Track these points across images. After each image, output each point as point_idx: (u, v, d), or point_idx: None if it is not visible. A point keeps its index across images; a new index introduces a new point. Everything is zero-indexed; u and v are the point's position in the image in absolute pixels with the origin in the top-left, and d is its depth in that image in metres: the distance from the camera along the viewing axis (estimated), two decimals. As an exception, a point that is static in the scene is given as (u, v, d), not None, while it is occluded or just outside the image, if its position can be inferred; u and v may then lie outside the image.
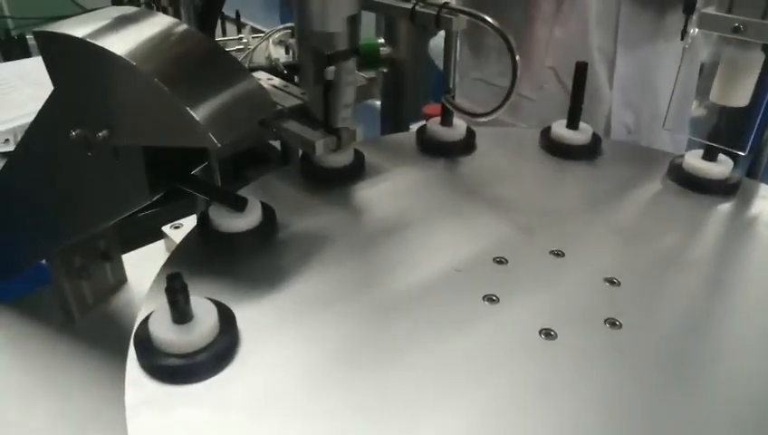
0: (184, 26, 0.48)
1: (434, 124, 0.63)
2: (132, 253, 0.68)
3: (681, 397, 0.38)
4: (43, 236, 0.53)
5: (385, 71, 0.73)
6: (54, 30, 0.44)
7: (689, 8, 0.52)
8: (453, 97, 0.60)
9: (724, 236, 0.54)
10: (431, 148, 0.63)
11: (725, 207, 0.56)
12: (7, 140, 1.00)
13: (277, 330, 0.42)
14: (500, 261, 0.48)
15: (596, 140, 0.63)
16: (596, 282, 0.46)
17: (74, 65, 0.43)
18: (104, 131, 0.44)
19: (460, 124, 0.64)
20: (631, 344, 0.41)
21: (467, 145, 0.63)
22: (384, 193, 0.58)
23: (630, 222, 0.54)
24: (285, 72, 0.65)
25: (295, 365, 0.40)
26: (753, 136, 0.53)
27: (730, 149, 0.54)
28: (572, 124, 0.63)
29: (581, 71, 0.60)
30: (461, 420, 0.36)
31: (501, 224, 0.53)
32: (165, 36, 0.46)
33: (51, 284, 0.58)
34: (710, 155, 0.56)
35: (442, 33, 1.22)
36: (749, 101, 0.52)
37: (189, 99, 0.41)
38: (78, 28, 0.43)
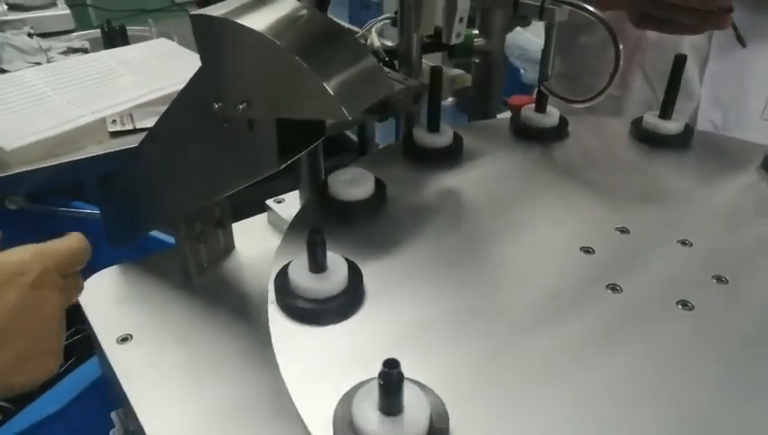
0: (308, 8, 0.52)
1: (528, 111, 0.66)
2: (238, 223, 0.74)
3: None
4: (174, 201, 0.59)
5: (477, 61, 0.77)
6: (205, 12, 0.49)
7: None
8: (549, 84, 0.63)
9: None
10: (526, 133, 0.66)
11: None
12: (114, 121, 1.09)
13: (397, 285, 0.47)
14: (623, 230, 0.51)
15: (688, 130, 0.65)
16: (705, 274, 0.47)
17: (221, 44, 0.49)
18: (243, 104, 0.49)
19: (553, 111, 0.67)
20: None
21: (561, 131, 0.66)
22: (481, 173, 0.61)
23: (730, 212, 0.56)
24: (386, 58, 0.69)
25: (413, 316, 0.44)
26: None
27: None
28: (665, 114, 0.64)
29: (680, 63, 0.61)
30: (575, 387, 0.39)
31: (600, 207, 0.56)
32: (295, 17, 0.51)
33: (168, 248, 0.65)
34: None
35: (518, 29, 1.23)
36: None
37: (324, 74, 0.46)
38: (224, 10, 0.49)
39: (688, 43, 0.81)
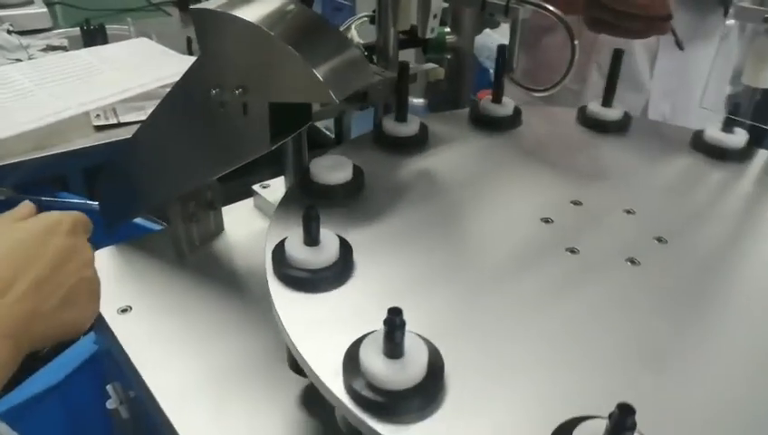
0: (296, 4, 0.58)
1: (486, 102, 0.73)
2: (227, 207, 0.78)
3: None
4: (172, 180, 0.64)
5: (449, 57, 0.83)
6: (203, 6, 0.54)
7: (726, 3, 0.60)
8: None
9: (737, 196, 0.63)
10: (483, 121, 0.72)
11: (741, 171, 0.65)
12: (98, 115, 1.13)
13: (381, 254, 0.52)
14: (576, 202, 0.58)
15: (626, 116, 0.73)
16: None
17: (219, 34, 0.54)
18: (239, 90, 0.54)
19: (508, 102, 0.73)
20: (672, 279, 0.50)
21: (515, 120, 0.73)
22: (446, 157, 0.67)
23: (666, 185, 0.63)
24: (365, 53, 0.75)
25: (398, 278, 0.49)
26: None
27: (758, 124, 0.62)
28: (607, 103, 0.72)
29: (618, 56, 0.69)
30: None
31: (555, 184, 0.62)
32: (285, 11, 0.56)
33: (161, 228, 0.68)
34: (728, 127, 0.65)
35: (487, 31, 1.31)
36: (776, 83, 0.60)
37: (313, 61, 0.51)
38: (222, 4, 0.54)
39: (639, 43, 0.89)
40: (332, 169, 0.60)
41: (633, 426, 0.32)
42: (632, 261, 0.51)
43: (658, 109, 0.93)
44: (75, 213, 0.44)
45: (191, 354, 0.58)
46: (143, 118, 1.15)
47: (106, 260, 0.70)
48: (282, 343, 0.47)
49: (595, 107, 0.72)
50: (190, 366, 0.56)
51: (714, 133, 0.66)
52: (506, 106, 0.73)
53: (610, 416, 0.32)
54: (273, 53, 0.51)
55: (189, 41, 1.34)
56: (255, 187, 0.80)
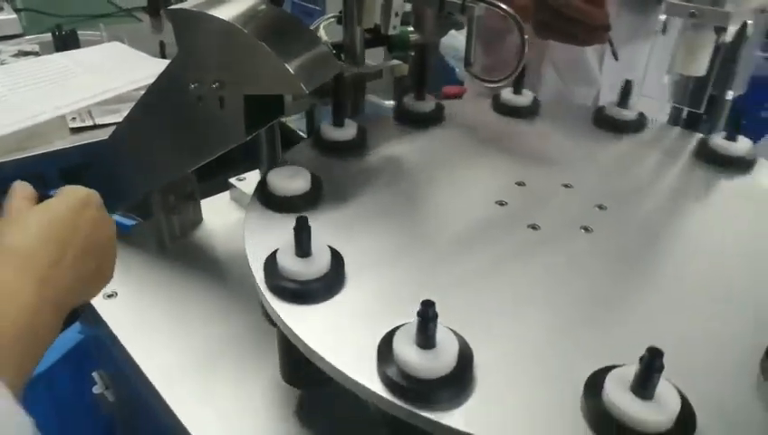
0: (266, 4, 0.62)
1: (410, 99, 0.77)
2: (205, 200, 0.82)
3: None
4: (153, 172, 0.67)
5: (413, 54, 0.88)
6: (180, 7, 0.58)
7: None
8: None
9: (672, 174, 0.69)
10: (408, 117, 0.76)
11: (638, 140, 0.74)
12: (74, 118, 1.15)
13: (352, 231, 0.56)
14: (520, 183, 0.64)
15: (535, 102, 0.79)
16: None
17: (196, 32, 0.58)
18: (216, 84, 0.58)
19: (430, 99, 0.78)
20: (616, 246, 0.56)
21: (438, 115, 0.77)
22: (383, 158, 0.70)
23: (585, 157, 0.71)
24: (333, 51, 0.79)
25: (371, 252, 0.53)
26: (707, 97, 0.68)
27: (690, 108, 0.69)
28: (517, 90, 0.78)
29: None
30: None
31: (497, 168, 0.68)
32: (257, 10, 0.60)
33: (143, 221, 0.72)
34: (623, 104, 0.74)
35: (452, 32, 1.38)
36: (705, 71, 0.67)
37: (284, 56, 0.55)
38: (197, 4, 0.58)
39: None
40: (291, 180, 0.60)
41: (662, 368, 0.35)
42: (586, 229, 0.57)
43: (608, 99, 1.00)
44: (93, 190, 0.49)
45: (176, 334, 0.62)
46: (119, 120, 1.17)
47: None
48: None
49: (507, 94, 0.79)
50: (176, 344, 0.60)
51: (611, 110, 0.76)
52: (429, 102, 0.77)
53: (641, 359, 0.36)
54: (246, 49, 0.56)
55: (162, 45, 1.36)
56: (232, 180, 0.84)
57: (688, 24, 0.64)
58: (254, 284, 0.49)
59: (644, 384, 0.36)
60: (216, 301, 0.66)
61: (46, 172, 1.11)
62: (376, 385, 0.40)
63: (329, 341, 0.44)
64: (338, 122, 0.70)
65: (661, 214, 0.61)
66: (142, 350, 0.60)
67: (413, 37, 0.86)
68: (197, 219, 0.79)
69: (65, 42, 1.41)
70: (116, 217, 0.98)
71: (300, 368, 0.53)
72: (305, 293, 0.47)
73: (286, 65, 0.55)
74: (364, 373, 0.41)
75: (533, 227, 0.57)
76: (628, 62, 0.93)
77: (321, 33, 0.82)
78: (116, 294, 0.66)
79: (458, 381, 0.40)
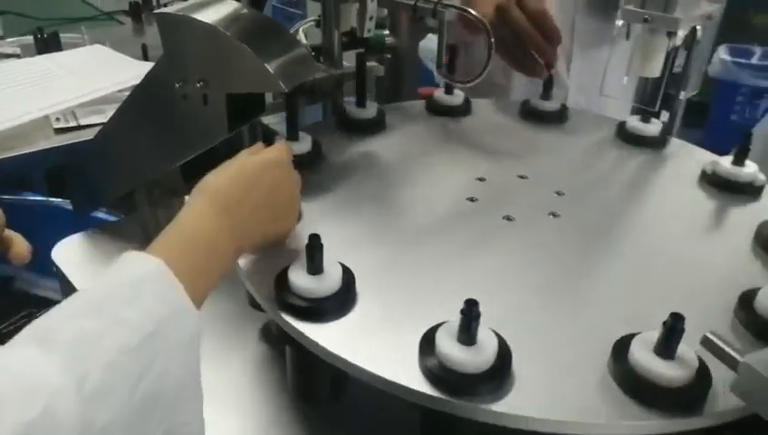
0: (248, 8, 0.66)
1: (351, 106, 0.80)
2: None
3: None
4: (141, 168, 0.70)
5: (389, 56, 0.92)
6: (167, 11, 0.62)
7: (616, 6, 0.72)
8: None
9: (634, 168, 0.75)
10: (348, 123, 0.79)
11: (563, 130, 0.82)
12: (58, 119, 1.17)
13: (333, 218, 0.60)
14: (481, 178, 0.68)
15: (467, 101, 0.84)
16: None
17: (181, 35, 0.61)
18: (200, 83, 0.62)
19: (371, 105, 0.81)
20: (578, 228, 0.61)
21: (380, 121, 0.80)
22: (402, 139, 0.76)
23: (527, 149, 0.76)
24: (313, 53, 0.83)
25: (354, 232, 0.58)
26: (660, 96, 0.73)
27: (645, 108, 0.74)
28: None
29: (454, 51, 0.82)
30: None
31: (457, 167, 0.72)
32: (238, 14, 0.64)
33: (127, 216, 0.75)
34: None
35: (429, 36, 1.44)
36: (660, 72, 0.72)
37: (264, 57, 0.59)
38: (183, 9, 0.61)
39: (558, 49, 1.01)
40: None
41: (683, 331, 0.40)
42: (554, 214, 0.63)
43: (576, 101, 1.05)
44: (286, 147, 0.57)
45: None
46: (103, 120, 1.19)
47: (77, 246, 0.76)
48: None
49: (439, 95, 0.84)
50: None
51: (535, 102, 0.84)
52: (370, 108, 0.80)
53: (665, 323, 0.41)
54: (229, 50, 0.59)
55: (144, 47, 1.39)
56: (214, 177, 0.87)
57: (645, 28, 0.69)
58: (230, 273, 0.51)
59: (668, 345, 0.42)
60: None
61: (32, 172, 1.14)
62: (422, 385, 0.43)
63: (360, 350, 0.46)
64: (292, 137, 0.71)
65: (609, 192, 0.68)
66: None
67: (389, 40, 0.90)
68: (182, 214, 0.81)
69: (47, 44, 1.42)
70: (101, 215, 1.01)
71: (315, 383, 0.57)
72: (319, 310, 0.49)
73: (266, 65, 0.59)
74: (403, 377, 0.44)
75: (508, 218, 0.62)
76: (593, 66, 0.98)
77: (301, 36, 0.86)
78: (104, 284, 0.69)
79: (499, 375, 0.43)
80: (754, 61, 2.79)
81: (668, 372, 0.41)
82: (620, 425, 0.42)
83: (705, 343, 0.38)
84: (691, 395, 0.41)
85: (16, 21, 1.73)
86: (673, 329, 0.41)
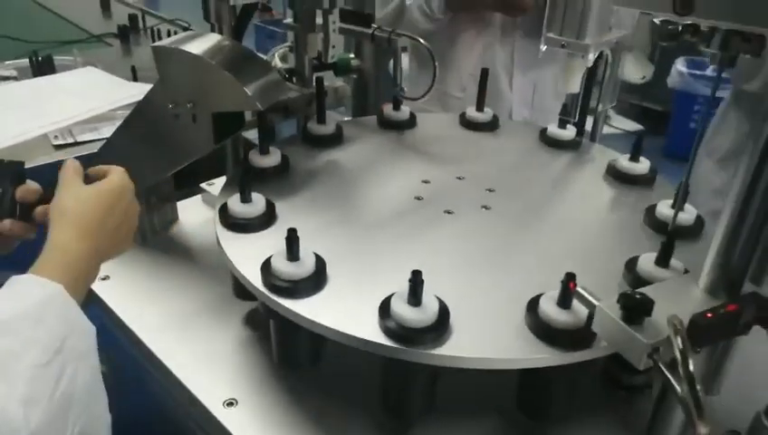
0: (229, 39, 0.78)
1: (312, 123, 0.90)
2: (180, 202, 0.97)
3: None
4: (138, 177, 0.82)
5: (355, 77, 1.05)
6: (161, 45, 0.74)
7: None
8: (400, 90, 0.92)
9: (553, 167, 0.88)
10: (311, 139, 0.89)
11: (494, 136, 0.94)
12: (56, 137, 1.28)
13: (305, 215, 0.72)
14: (425, 181, 0.81)
15: (412, 116, 0.95)
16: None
17: (173, 64, 0.73)
18: (190, 104, 0.74)
19: (331, 120, 0.92)
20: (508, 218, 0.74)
21: (339, 136, 0.90)
22: (358, 149, 0.88)
23: (462, 155, 0.88)
24: (287, 75, 0.95)
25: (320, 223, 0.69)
26: (578, 108, 0.87)
27: (565, 118, 0.88)
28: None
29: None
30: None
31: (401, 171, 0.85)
32: (221, 45, 0.76)
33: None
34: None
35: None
36: (579, 89, 0.85)
37: (243, 81, 0.71)
38: (174, 42, 0.73)
39: (500, 66, 1.15)
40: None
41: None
42: (486, 207, 0.76)
43: (520, 113, 1.19)
44: (126, 174, 0.65)
45: (157, 304, 0.77)
46: (97, 137, 1.30)
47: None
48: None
49: (387, 109, 0.95)
50: (158, 311, 0.75)
51: (471, 113, 0.95)
52: (330, 125, 0.90)
53: (562, 282, 0.53)
54: (214, 76, 0.72)
55: (134, 69, 1.50)
56: (203, 185, 0.99)
57: (565, 52, 0.82)
58: (218, 270, 0.65)
59: (565, 299, 0.54)
60: (190, 281, 0.81)
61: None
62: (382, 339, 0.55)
63: (333, 317, 0.58)
64: (263, 150, 0.81)
65: (532, 187, 0.82)
66: (130, 315, 0.75)
67: (354, 62, 1.03)
68: (174, 218, 0.93)
69: (41, 67, 1.53)
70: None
71: (296, 351, 0.67)
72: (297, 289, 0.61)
73: (245, 88, 0.71)
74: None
75: (449, 211, 0.74)
76: (532, 83, 1.12)
77: (276, 60, 0.98)
78: (108, 277, 0.80)
79: (440, 328, 0.56)
80: (709, 72, 2.98)
81: (566, 318, 0.54)
82: (532, 359, 0.54)
83: (575, 294, 0.50)
84: (583, 335, 0.54)
85: (11, 45, 1.82)
86: (565, 286, 0.54)
